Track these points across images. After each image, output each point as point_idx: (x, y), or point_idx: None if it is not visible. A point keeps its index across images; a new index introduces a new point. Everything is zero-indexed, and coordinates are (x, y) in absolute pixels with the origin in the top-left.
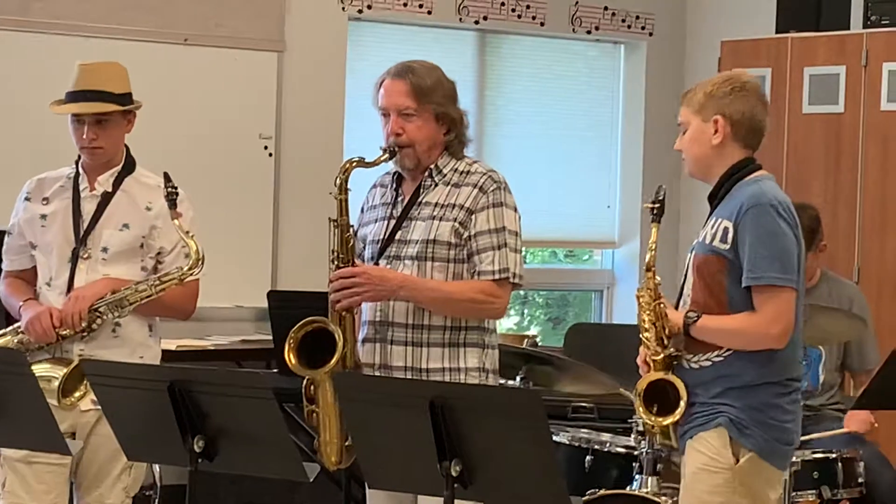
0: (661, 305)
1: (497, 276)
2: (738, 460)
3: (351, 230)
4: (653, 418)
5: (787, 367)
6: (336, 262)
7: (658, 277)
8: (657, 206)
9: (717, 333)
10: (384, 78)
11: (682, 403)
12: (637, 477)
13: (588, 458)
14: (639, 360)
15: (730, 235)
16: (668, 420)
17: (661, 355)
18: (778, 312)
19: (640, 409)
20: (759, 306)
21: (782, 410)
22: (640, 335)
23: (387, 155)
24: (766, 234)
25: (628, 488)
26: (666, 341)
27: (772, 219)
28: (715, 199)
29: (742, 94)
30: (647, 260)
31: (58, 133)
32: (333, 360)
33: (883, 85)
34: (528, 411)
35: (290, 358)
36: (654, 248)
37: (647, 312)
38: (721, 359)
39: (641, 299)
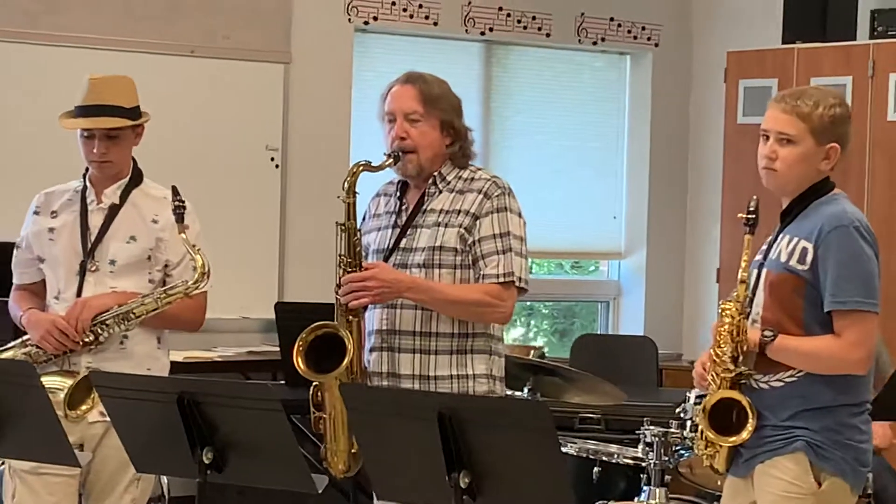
0: (745, 321)
1: (502, 280)
2: (819, 485)
3: (358, 234)
4: (720, 438)
5: (862, 391)
6: (343, 267)
7: (748, 291)
8: (751, 217)
9: (795, 355)
10: (392, 85)
11: (751, 424)
12: (645, 488)
13: (596, 469)
14: (697, 373)
15: (809, 256)
16: (737, 440)
17: (733, 373)
18: (861, 338)
19: (705, 427)
20: (841, 331)
21: (858, 430)
22: (712, 349)
23: (391, 160)
24: (849, 258)
25: (636, 499)
26: (741, 359)
27: (855, 241)
28: (789, 215)
29: (849, 123)
30: (739, 273)
31: (65, 145)
32: (343, 365)
33: (890, 95)
34: (537, 423)
35: (299, 362)
36: (747, 259)
37: (731, 326)
38: (794, 379)
39: (726, 312)
